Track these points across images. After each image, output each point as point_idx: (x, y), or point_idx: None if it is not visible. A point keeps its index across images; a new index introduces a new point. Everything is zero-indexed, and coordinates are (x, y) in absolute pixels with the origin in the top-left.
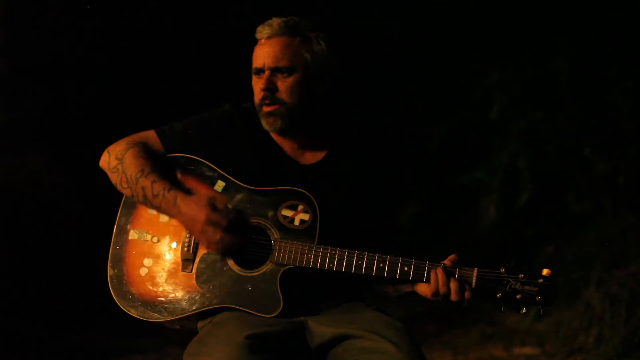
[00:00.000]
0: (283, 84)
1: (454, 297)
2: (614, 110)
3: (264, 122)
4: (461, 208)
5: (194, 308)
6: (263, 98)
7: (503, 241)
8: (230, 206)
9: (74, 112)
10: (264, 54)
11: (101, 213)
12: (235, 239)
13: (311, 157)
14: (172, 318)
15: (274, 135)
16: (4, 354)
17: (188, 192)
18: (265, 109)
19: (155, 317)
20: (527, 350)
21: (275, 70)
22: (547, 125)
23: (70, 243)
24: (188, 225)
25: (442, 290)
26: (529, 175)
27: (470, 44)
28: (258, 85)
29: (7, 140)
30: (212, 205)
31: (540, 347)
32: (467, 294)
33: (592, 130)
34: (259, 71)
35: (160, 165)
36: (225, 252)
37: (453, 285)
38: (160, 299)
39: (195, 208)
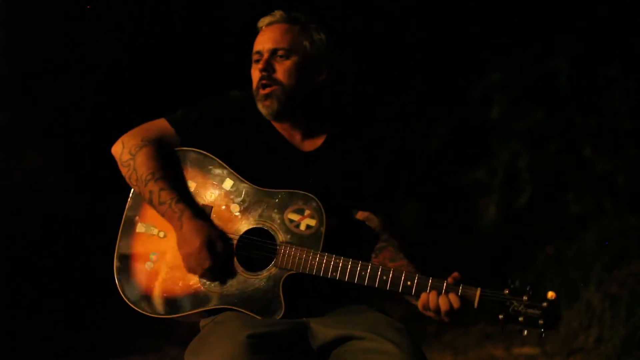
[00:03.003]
0: (281, 66)
1: (443, 315)
2: (614, 110)
3: (260, 106)
4: (461, 208)
5: (195, 307)
6: (260, 79)
7: (503, 241)
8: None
9: (74, 112)
10: (263, 39)
11: (101, 213)
12: (211, 279)
13: (311, 145)
14: (175, 316)
15: (274, 123)
16: (4, 354)
17: (195, 207)
18: (262, 91)
19: (157, 312)
20: (527, 350)
21: (273, 53)
22: (547, 125)
23: (70, 243)
24: (181, 242)
25: (432, 306)
26: (529, 175)
27: (470, 44)
28: (256, 70)
29: (7, 140)
30: (209, 244)
31: (540, 347)
32: (455, 306)
33: (592, 130)
34: (258, 55)
35: (173, 167)
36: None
37: (442, 303)
38: (163, 295)
39: (194, 233)
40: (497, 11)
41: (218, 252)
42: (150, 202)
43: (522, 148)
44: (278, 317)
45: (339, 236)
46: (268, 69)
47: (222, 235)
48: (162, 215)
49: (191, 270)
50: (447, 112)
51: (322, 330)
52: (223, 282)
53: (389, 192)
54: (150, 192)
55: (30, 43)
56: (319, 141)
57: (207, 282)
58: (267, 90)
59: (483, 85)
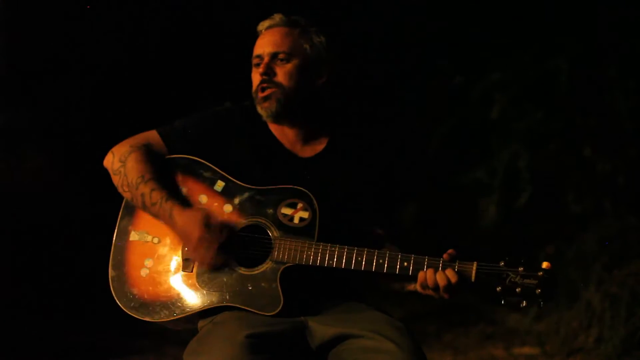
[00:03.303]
0: (281, 70)
1: (442, 291)
2: (614, 110)
3: (259, 109)
4: (461, 208)
5: (195, 307)
6: (261, 83)
7: (503, 241)
8: (223, 221)
9: (74, 112)
10: (264, 43)
11: (101, 213)
12: (224, 259)
13: (310, 150)
14: (173, 318)
15: (272, 129)
16: (3, 354)
17: (185, 201)
18: (261, 94)
19: (157, 317)
20: (527, 350)
21: (274, 57)
22: (547, 125)
23: (70, 243)
24: (182, 238)
25: (430, 284)
26: (529, 175)
27: (470, 44)
28: (257, 74)
29: (7, 140)
30: (207, 223)
31: (540, 347)
32: (453, 281)
33: (592, 130)
34: (259, 59)
35: (162, 170)
36: (217, 268)
37: (440, 279)
38: (161, 299)
39: (190, 225)
40: (497, 11)
41: (219, 227)
42: (143, 205)
43: (522, 148)
44: (277, 311)
45: (333, 230)
46: (269, 72)
47: (214, 214)
48: (156, 216)
49: (205, 259)
50: (447, 112)
51: (321, 329)
52: (221, 280)
53: (389, 198)
54: (142, 194)
55: (30, 43)
56: (318, 147)
57: (207, 280)
58: (267, 92)
59: (483, 85)
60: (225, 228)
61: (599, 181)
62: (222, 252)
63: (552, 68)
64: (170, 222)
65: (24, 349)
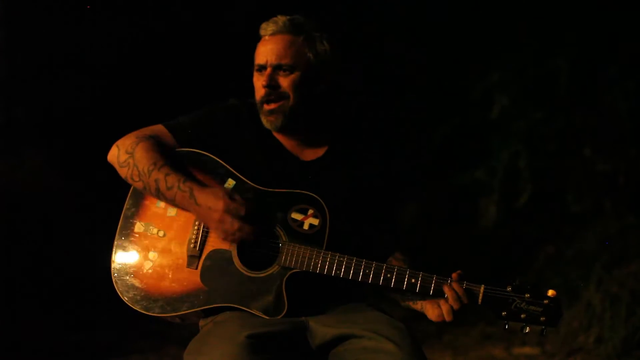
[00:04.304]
0: (284, 81)
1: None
2: (614, 110)
3: (264, 120)
4: (461, 208)
5: (197, 306)
6: (265, 95)
7: (503, 241)
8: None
9: (74, 112)
10: (267, 51)
11: (101, 213)
12: (252, 229)
13: (312, 154)
14: (175, 314)
15: (274, 132)
16: (4, 354)
17: (202, 184)
18: (266, 107)
19: (157, 312)
20: (527, 350)
21: (277, 68)
22: (547, 125)
23: (69, 243)
24: (204, 215)
25: (455, 306)
26: (529, 175)
27: (470, 44)
28: (260, 81)
29: (7, 140)
30: (230, 196)
31: (540, 347)
32: (465, 301)
33: (592, 130)
34: (261, 68)
35: (172, 158)
36: (241, 242)
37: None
38: (163, 294)
39: (212, 198)
40: (498, 11)
41: (242, 199)
42: (158, 192)
43: (522, 148)
44: (281, 316)
45: (341, 238)
46: (272, 84)
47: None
48: (172, 201)
49: (229, 231)
50: (447, 112)
51: (321, 329)
52: (225, 280)
53: (391, 200)
54: (156, 180)
55: (30, 43)
56: (320, 151)
57: (212, 279)
58: (273, 106)
59: (483, 85)
60: (249, 202)
61: (599, 181)
62: (247, 224)
63: (552, 68)
64: (190, 202)
65: (24, 348)
